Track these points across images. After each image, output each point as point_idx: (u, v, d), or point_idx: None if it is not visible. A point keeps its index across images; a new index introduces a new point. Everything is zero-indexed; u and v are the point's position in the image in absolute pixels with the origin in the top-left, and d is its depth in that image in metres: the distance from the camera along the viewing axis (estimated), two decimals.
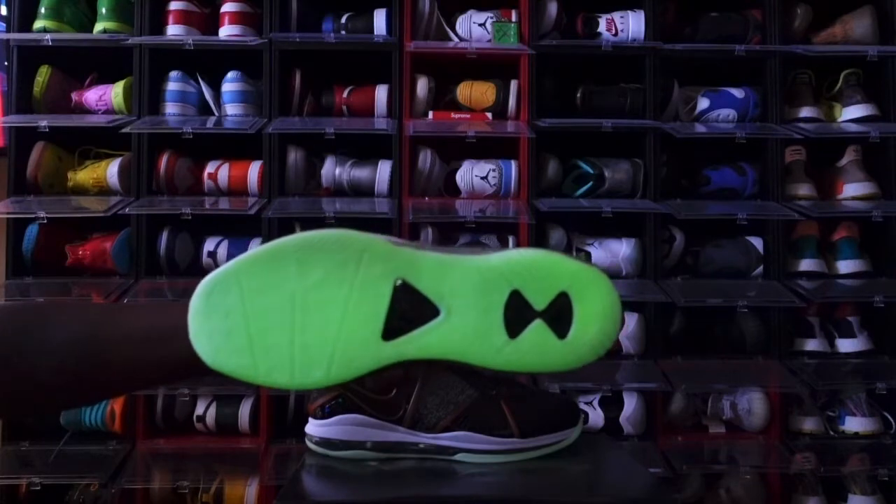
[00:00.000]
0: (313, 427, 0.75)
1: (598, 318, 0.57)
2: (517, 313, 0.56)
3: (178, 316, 0.55)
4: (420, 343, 0.56)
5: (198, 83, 1.65)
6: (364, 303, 0.55)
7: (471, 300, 0.56)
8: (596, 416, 1.57)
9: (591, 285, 0.57)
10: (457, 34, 1.67)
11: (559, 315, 0.57)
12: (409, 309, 0.55)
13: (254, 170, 1.63)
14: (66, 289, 1.56)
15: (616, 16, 1.67)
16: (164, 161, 1.59)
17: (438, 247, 0.58)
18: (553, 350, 0.57)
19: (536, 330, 0.56)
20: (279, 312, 0.54)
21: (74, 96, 1.65)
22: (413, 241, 0.58)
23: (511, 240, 1.63)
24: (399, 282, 0.55)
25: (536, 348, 0.56)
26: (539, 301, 0.56)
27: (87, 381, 0.57)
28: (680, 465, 1.51)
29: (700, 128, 1.66)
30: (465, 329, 0.56)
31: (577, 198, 1.65)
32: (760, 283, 1.63)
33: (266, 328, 0.54)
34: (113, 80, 1.65)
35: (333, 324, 0.55)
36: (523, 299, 0.56)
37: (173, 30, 1.62)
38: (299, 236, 0.56)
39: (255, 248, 0.56)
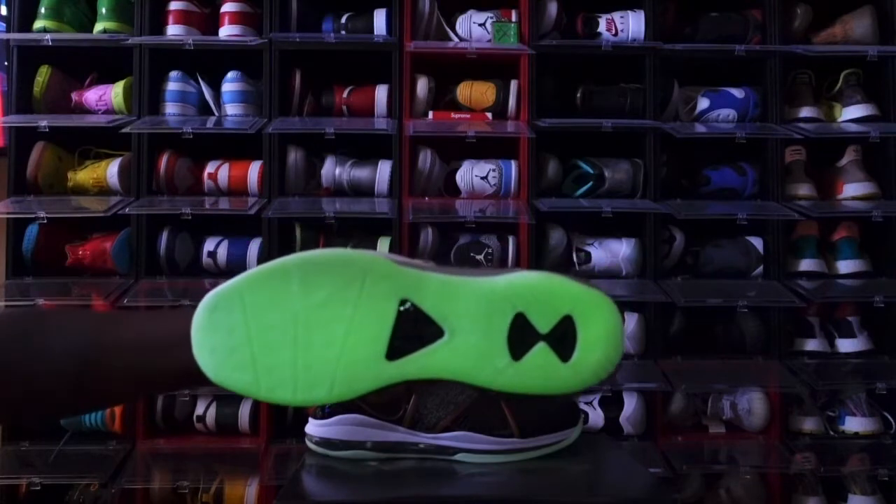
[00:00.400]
0: (313, 427, 0.75)
1: (602, 341, 0.57)
2: (521, 335, 0.56)
3: (180, 325, 0.55)
4: (423, 363, 0.56)
5: (198, 83, 1.65)
6: (368, 323, 0.55)
7: (475, 322, 0.56)
8: (596, 416, 1.57)
9: (595, 309, 0.57)
10: (457, 34, 1.67)
11: (563, 338, 0.57)
12: (413, 329, 0.55)
13: (254, 170, 1.63)
14: (66, 289, 1.56)
15: (616, 16, 1.67)
16: (164, 161, 1.59)
17: (442, 266, 0.58)
18: (556, 373, 0.57)
19: (540, 352, 0.56)
20: (282, 331, 0.55)
21: (74, 96, 1.65)
22: (415, 260, 0.58)
23: (511, 240, 1.63)
24: (403, 302, 0.55)
25: (540, 371, 0.57)
26: (543, 324, 0.56)
27: (87, 389, 0.57)
28: (680, 465, 1.51)
29: (700, 128, 1.66)
30: (469, 350, 0.56)
31: (577, 198, 1.65)
32: (760, 283, 1.63)
33: (269, 347, 0.55)
34: (113, 80, 1.65)
35: (337, 343, 0.55)
36: (527, 322, 0.56)
37: (173, 30, 1.62)
38: (302, 255, 0.56)
39: (259, 266, 0.56)
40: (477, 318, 0.56)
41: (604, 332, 0.57)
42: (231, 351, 0.54)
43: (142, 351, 0.56)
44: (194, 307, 0.55)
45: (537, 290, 0.57)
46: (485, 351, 0.56)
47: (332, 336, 0.55)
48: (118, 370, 0.57)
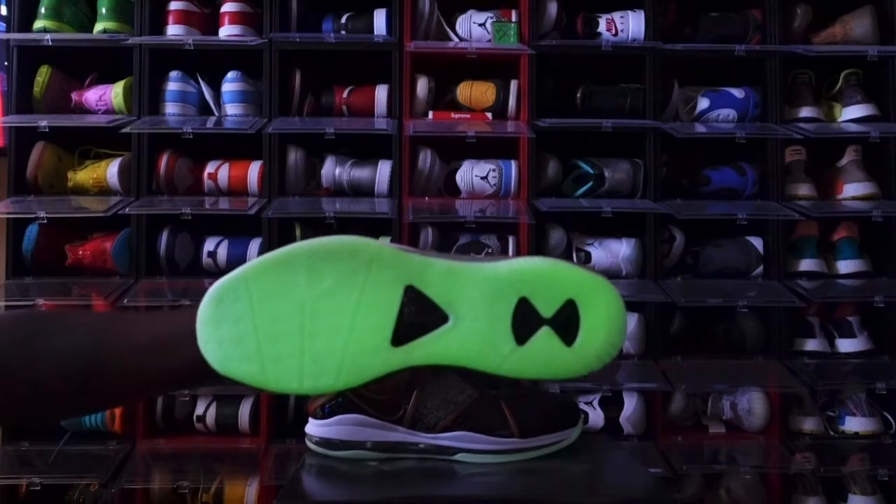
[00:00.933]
0: (313, 427, 0.75)
1: (605, 326, 0.57)
2: (525, 320, 0.56)
3: (185, 323, 0.55)
4: (429, 349, 0.56)
5: (198, 83, 1.65)
6: (373, 310, 0.55)
7: (480, 307, 0.56)
8: (596, 416, 1.57)
9: (598, 294, 0.57)
10: (457, 34, 1.67)
11: (566, 322, 0.57)
12: (418, 315, 0.56)
13: (254, 170, 1.63)
14: (66, 289, 1.56)
15: (616, 16, 1.67)
16: (164, 161, 1.59)
17: (446, 253, 0.58)
18: (560, 357, 0.57)
19: (544, 337, 0.57)
20: (288, 321, 0.55)
21: (74, 96, 1.65)
22: (420, 249, 0.58)
23: (511, 240, 1.63)
24: (408, 289, 0.55)
25: (543, 355, 0.57)
26: (547, 308, 0.57)
27: (90, 391, 0.57)
28: (680, 465, 1.50)
29: (700, 128, 1.66)
30: (474, 335, 0.56)
31: (577, 198, 1.65)
32: (760, 283, 1.63)
33: (275, 336, 0.55)
34: (113, 80, 1.65)
35: (343, 331, 0.55)
36: (531, 306, 0.56)
37: (173, 30, 1.62)
38: (307, 243, 0.56)
39: (264, 255, 0.56)
40: (481, 303, 0.56)
41: (606, 316, 0.57)
42: (237, 342, 0.54)
43: (146, 351, 0.56)
44: (197, 305, 0.55)
45: (540, 275, 0.57)
46: (489, 336, 0.56)
47: (339, 324, 0.55)
48: (123, 372, 0.56)
